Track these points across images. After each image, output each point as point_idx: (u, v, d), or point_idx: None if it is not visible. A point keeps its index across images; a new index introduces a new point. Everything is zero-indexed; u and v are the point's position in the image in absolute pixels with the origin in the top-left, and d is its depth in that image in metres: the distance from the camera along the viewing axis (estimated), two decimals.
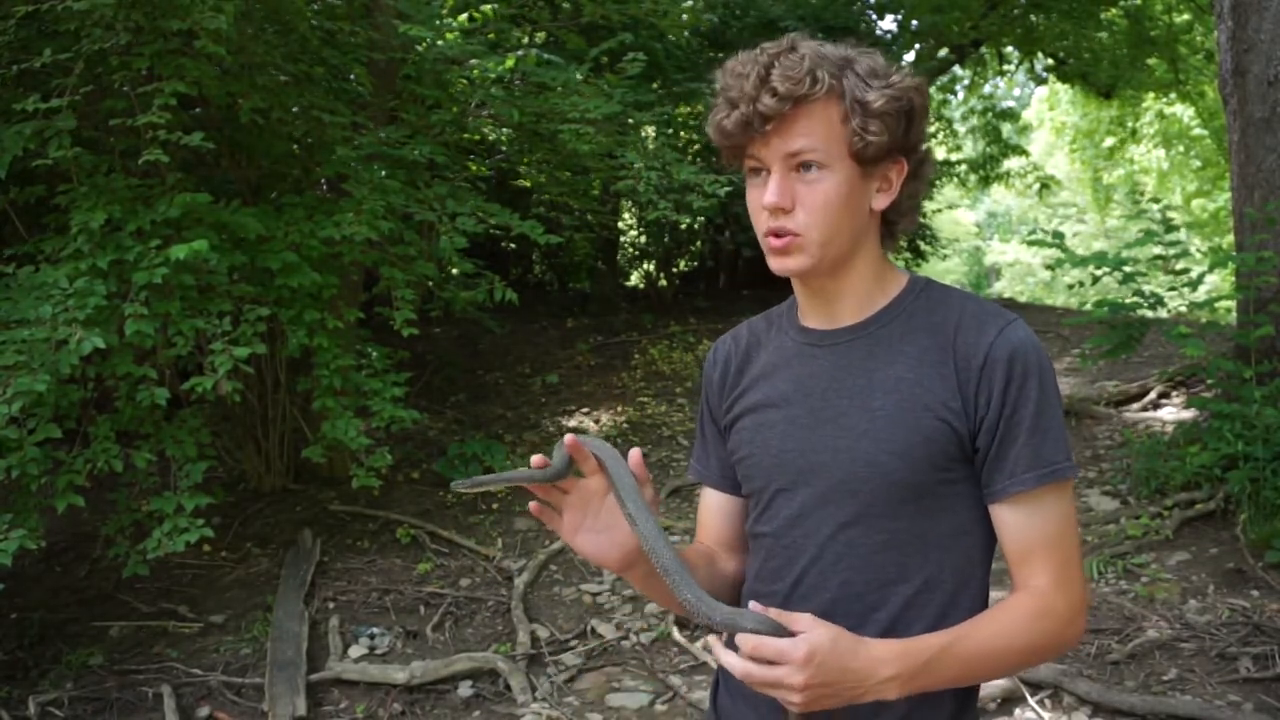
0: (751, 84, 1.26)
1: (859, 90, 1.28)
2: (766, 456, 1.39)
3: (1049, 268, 5.40)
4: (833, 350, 1.38)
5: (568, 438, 1.28)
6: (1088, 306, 5.36)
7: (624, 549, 1.32)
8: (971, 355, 1.29)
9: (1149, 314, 5.19)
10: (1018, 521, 1.30)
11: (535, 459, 1.29)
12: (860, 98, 1.27)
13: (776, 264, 1.33)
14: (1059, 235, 5.08)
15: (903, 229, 1.41)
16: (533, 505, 1.32)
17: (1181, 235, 5.46)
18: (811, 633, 1.15)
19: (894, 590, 1.31)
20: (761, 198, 1.30)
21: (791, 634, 1.16)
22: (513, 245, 9.28)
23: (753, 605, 1.14)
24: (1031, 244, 5.31)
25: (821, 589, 1.34)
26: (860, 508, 1.32)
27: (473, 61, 5.47)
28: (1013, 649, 1.27)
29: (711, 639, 1.23)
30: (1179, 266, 5.14)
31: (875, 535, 1.32)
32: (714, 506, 1.53)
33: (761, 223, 1.32)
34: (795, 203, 1.29)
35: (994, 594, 1.40)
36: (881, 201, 1.35)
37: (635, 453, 1.29)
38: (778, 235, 1.30)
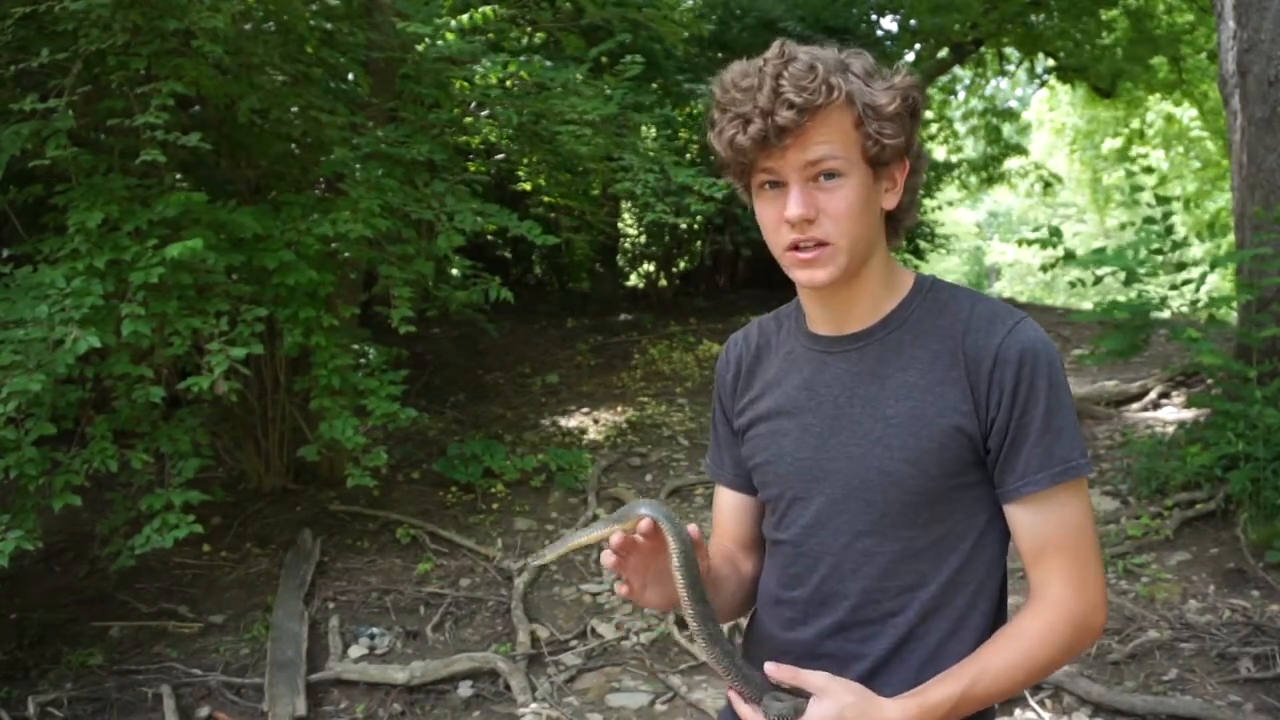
0: (765, 97, 1.22)
1: (868, 94, 1.26)
2: (781, 464, 1.39)
3: (1044, 268, 5.36)
4: (844, 357, 1.37)
5: (644, 523, 1.28)
6: (1091, 306, 5.34)
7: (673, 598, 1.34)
8: (981, 357, 1.28)
9: (1153, 314, 5.17)
10: (1032, 521, 1.29)
11: (613, 540, 1.29)
12: (872, 102, 1.25)
13: (805, 275, 1.30)
14: (1056, 232, 5.04)
15: (904, 226, 1.41)
16: (621, 589, 1.33)
17: (1178, 223, 5.39)
18: (820, 709, 1.20)
19: (913, 596, 1.31)
20: (780, 211, 1.27)
21: (805, 694, 1.21)
22: (509, 253, 9.27)
23: (768, 667, 1.21)
24: (1027, 243, 5.25)
25: (841, 596, 1.34)
26: (876, 515, 1.32)
27: (475, 65, 5.45)
28: (1036, 667, 1.28)
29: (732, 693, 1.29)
30: (1177, 260, 5.11)
31: (892, 543, 1.32)
32: (730, 506, 1.53)
33: (782, 237, 1.29)
34: (819, 212, 1.27)
35: (1011, 599, 1.39)
36: (890, 201, 1.34)
37: (693, 528, 1.29)
38: (804, 248, 1.28)
